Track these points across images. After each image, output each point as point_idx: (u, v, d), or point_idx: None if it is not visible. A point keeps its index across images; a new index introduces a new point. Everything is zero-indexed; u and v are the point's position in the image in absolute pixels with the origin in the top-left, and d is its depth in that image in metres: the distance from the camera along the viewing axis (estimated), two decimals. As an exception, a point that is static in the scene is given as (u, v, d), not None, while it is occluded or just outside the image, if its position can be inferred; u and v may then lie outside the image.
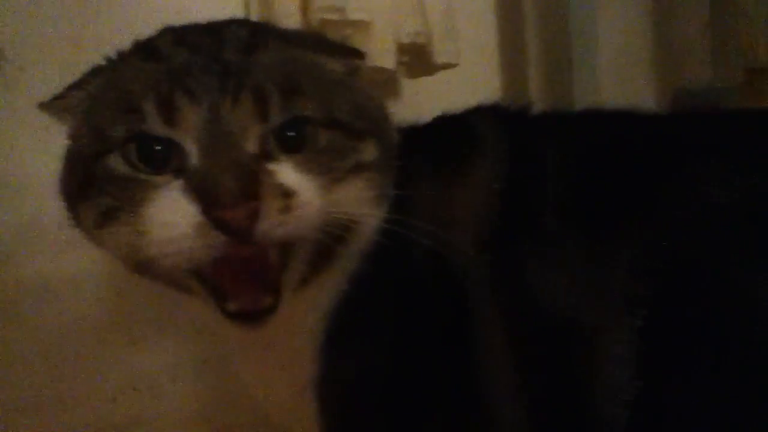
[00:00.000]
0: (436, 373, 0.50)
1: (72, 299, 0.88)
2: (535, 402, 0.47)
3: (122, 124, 0.46)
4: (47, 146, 0.83)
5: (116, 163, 0.46)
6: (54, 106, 0.53)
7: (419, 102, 1.04)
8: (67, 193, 0.53)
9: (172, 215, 0.42)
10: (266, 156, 0.45)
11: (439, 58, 0.92)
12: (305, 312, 0.51)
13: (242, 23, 0.53)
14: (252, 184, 0.41)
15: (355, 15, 0.81)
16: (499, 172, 0.52)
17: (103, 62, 0.53)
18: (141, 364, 0.93)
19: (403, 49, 0.89)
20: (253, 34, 0.50)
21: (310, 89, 0.47)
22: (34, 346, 0.87)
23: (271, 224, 0.41)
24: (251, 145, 0.44)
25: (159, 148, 0.45)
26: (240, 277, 0.45)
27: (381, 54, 0.85)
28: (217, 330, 0.58)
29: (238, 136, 0.44)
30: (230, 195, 0.40)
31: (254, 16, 0.90)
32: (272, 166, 0.44)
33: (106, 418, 0.91)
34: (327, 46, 0.54)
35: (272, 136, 0.45)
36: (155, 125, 0.44)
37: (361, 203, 0.49)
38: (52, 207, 0.84)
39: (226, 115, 0.43)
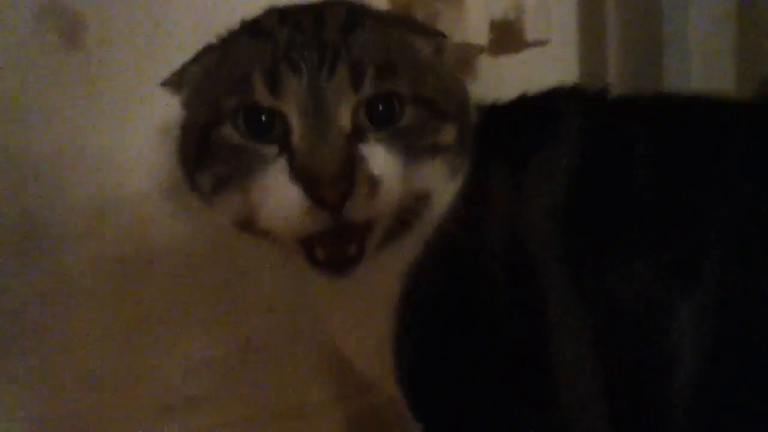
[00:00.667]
0: (506, 356, 0.51)
1: (149, 277, 0.87)
2: (613, 388, 0.48)
3: (233, 95, 0.50)
4: (126, 122, 0.84)
5: (227, 132, 0.50)
6: (173, 80, 0.57)
7: (497, 81, 1.01)
8: (183, 160, 0.56)
9: (279, 195, 0.46)
10: (358, 134, 0.48)
11: (530, 35, 0.87)
12: (384, 271, 0.54)
13: (341, 4, 0.56)
14: (347, 172, 0.45)
15: (449, -11, 0.77)
16: (576, 154, 0.53)
17: (215, 41, 0.57)
18: (215, 340, 0.92)
19: (493, 25, 0.85)
20: (350, 15, 0.53)
21: (401, 66, 0.50)
22: (110, 321, 0.87)
23: (358, 207, 0.46)
24: (344, 118, 0.48)
25: (264, 117, 0.49)
26: (329, 232, 0.48)
27: (473, 30, 0.81)
28: (304, 288, 0.61)
29: (334, 105, 0.47)
30: (328, 180, 0.44)
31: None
32: (364, 150, 0.47)
33: (177, 394, 0.91)
34: (416, 25, 0.57)
35: (364, 109, 0.48)
36: (262, 96, 0.48)
37: (435, 181, 0.52)
38: (130, 184, 0.87)
39: (324, 84, 0.47)
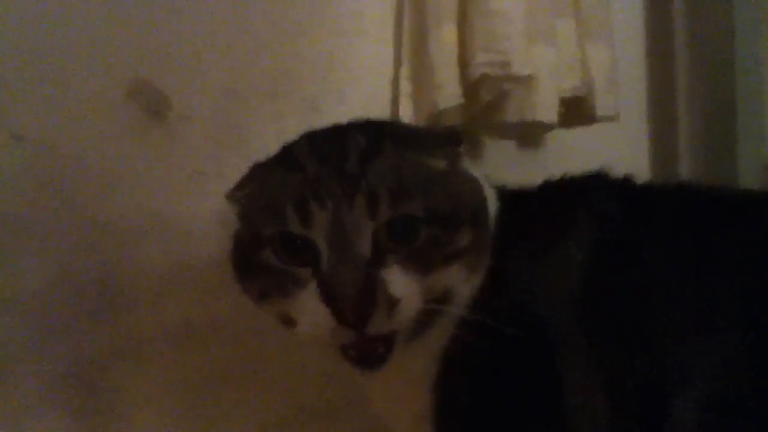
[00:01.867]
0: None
1: (213, 341, 0.89)
2: None
3: (271, 224, 0.55)
4: (202, 193, 0.88)
5: (267, 255, 0.55)
6: (232, 195, 0.62)
7: (567, 151, 1.01)
8: (235, 266, 0.62)
9: (311, 312, 0.52)
10: (378, 258, 0.52)
11: (600, 111, 0.87)
12: (417, 356, 0.58)
13: (363, 129, 0.60)
14: (367, 296, 0.50)
15: (519, 70, 0.78)
16: (592, 244, 0.56)
17: (259, 166, 0.61)
18: (272, 406, 0.93)
19: (563, 101, 0.85)
20: (371, 141, 0.57)
21: (414, 189, 0.54)
22: (178, 386, 0.88)
23: (378, 324, 0.51)
24: (364, 245, 0.52)
25: (299, 242, 0.54)
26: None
27: (542, 108, 0.81)
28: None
29: (354, 234, 0.52)
30: (350, 304, 0.49)
31: (408, 70, 0.89)
32: (384, 273, 0.52)
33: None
34: (432, 141, 0.60)
35: (381, 234, 0.52)
36: (295, 226, 0.53)
37: (455, 280, 0.55)
38: (201, 252, 0.90)
39: (345, 215, 0.52)
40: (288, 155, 0.60)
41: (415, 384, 0.59)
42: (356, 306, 0.49)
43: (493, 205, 0.62)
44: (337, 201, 0.52)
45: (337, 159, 0.55)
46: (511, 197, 0.64)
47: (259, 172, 0.61)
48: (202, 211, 0.87)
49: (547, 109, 0.81)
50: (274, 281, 0.56)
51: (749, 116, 0.92)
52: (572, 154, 0.93)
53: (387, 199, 0.52)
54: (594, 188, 0.62)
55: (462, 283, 0.56)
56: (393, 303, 0.51)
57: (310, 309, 0.52)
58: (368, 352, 0.54)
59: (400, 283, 0.52)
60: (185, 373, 0.88)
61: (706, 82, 0.97)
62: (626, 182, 0.62)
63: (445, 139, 0.62)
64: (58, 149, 0.82)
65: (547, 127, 0.86)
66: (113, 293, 0.86)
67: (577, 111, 0.88)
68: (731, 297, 0.52)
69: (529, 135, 0.99)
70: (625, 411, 0.52)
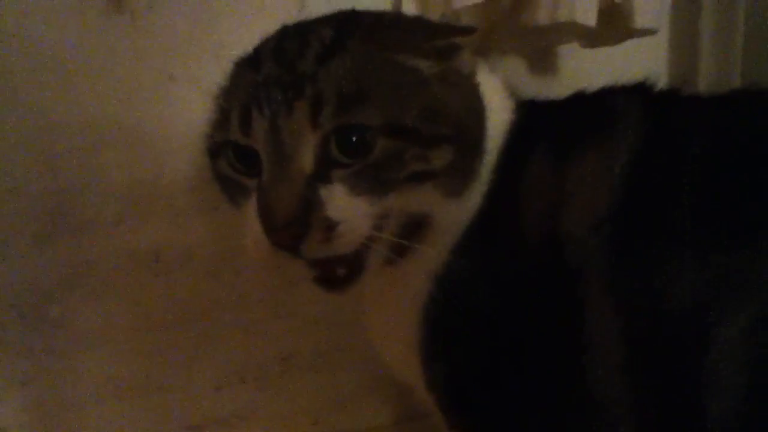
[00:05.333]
0: (540, 361, 0.49)
1: (183, 273, 0.78)
2: (644, 398, 0.46)
3: (221, 132, 0.51)
4: (170, 98, 0.75)
5: (222, 165, 0.52)
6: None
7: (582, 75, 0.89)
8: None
9: (252, 232, 0.48)
10: (320, 174, 0.47)
11: (639, 22, 0.75)
12: (411, 277, 0.53)
13: (332, 22, 0.53)
14: (299, 217, 0.45)
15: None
16: (630, 154, 0.49)
17: (234, 63, 0.55)
18: (251, 353, 0.82)
19: (601, 8, 0.73)
20: (338, 36, 0.50)
21: (377, 94, 0.47)
22: (140, 322, 0.78)
23: (312, 249, 0.46)
24: (304, 158, 0.47)
25: (245, 152, 0.50)
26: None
27: (582, 11, 0.70)
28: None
29: (291, 145, 0.47)
30: (281, 223, 0.45)
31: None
32: (323, 193, 0.46)
33: (209, 410, 0.82)
34: (421, 35, 0.52)
35: (327, 145, 0.47)
36: (236, 134, 0.49)
37: (431, 205, 0.50)
38: (170, 169, 0.76)
39: (282, 122, 0.47)
40: (254, 52, 0.54)
41: (409, 309, 0.54)
42: (286, 226, 0.45)
43: (501, 118, 0.54)
44: (276, 107, 0.47)
45: (292, 57, 0.49)
46: (533, 108, 0.56)
47: (231, 70, 0.55)
48: (170, 123, 0.75)
49: (585, 10, 0.69)
50: (230, 192, 0.53)
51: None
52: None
53: (334, 104, 0.46)
54: (637, 97, 0.54)
55: (441, 206, 0.50)
56: (330, 227, 0.46)
57: (251, 225, 0.48)
58: (327, 274, 0.50)
59: (342, 204, 0.47)
60: (146, 309, 0.78)
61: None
62: (672, 93, 0.55)
63: (440, 31, 0.53)
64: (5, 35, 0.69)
65: (585, 33, 0.74)
66: (66, 212, 0.74)
67: (614, 21, 0.76)
68: None
69: (545, 56, 0.89)
70: (649, 355, 0.46)
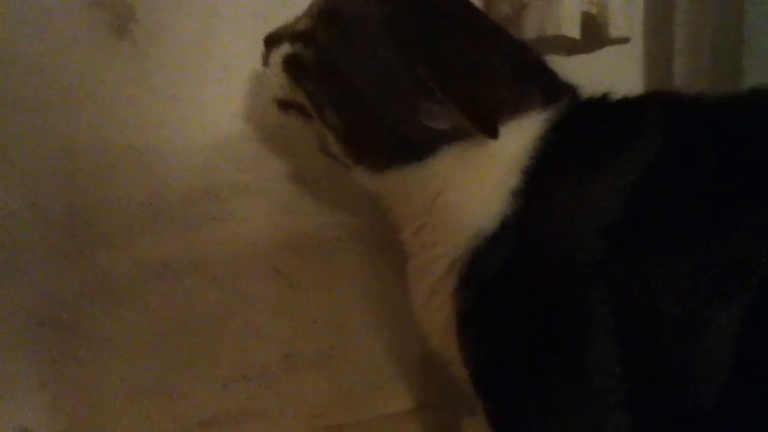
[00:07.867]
0: (548, 353, 0.52)
1: (192, 282, 0.82)
2: (639, 398, 0.48)
3: None
4: (176, 117, 0.80)
5: None
6: None
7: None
8: None
9: None
10: None
11: (613, 32, 0.79)
12: (445, 258, 0.57)
13: None
14: None
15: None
16: (649, 162, 0.50)
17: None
18: (255, 352, 0.87)
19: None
20: None
21: None
22: (151, 326, 0.82)
23: None
24: None
25: None
26: None
27: (566, 23, 0.74)
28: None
29: None
30: None
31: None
32: None
33: (216, 408, 0.86)
34: None
35: None
36: None
37: None
38: (177, 183, 0.82)
39: None
40: None
41: (446, 285, 0.58)
42: None
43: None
44: None
45: None
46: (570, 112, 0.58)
47: None
48: (176, 139, 0.80)
49: (571, 23, 0.73)
50: None
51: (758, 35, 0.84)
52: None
53: None
54: (664, 104, 0.55)
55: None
56: None
57: None
58: None
59: None
60: (161, 317, 0.82)
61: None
62: (699, 100, 0.56)
63: None
64: (19, 60, 0.74)
65: (568, 43, 0.79)
66: (83, 227, 0.78)
67: (589, 33, 0.80)
68: None
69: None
70: (647, 350, 0.48)
